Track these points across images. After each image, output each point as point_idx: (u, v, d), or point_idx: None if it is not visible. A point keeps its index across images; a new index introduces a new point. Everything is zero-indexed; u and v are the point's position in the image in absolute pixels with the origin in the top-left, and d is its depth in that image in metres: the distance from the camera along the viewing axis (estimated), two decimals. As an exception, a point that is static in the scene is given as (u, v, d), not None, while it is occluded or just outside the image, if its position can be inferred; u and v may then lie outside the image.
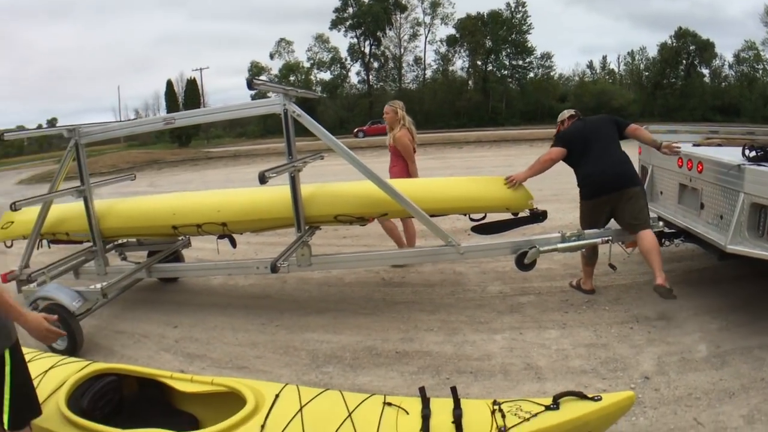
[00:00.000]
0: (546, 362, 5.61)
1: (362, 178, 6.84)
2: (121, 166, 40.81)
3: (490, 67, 80.00)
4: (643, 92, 77.33)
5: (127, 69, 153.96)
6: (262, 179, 6.18)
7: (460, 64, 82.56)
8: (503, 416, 3.64)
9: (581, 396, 3.61)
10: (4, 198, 21.43)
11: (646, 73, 79.59)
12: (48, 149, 75.48)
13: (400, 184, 6.98)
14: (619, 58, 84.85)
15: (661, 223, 6.98)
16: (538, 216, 7.12)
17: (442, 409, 3.79)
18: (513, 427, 3.54)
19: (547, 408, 3.60)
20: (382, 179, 6.79)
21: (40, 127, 78.47)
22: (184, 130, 68.28)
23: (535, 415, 3.57)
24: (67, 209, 8.73)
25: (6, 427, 3.87)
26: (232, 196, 8.19)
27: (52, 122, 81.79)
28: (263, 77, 77.02)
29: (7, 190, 28.69)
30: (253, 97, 49.25)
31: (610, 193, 6.80)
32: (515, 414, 3.63)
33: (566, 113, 7.59)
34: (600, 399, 3.56)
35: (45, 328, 3.87)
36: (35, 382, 4.57)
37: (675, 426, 4.26)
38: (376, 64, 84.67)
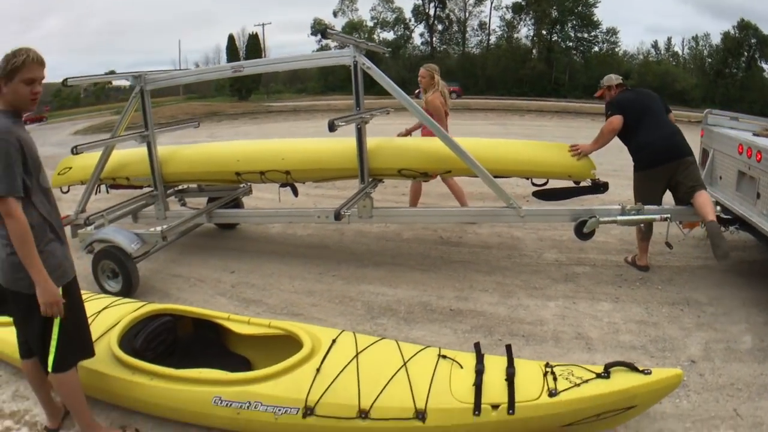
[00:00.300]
0: (597, 334, 5.64)
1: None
2: (180, 118, 41.14)
3: (555, 38, 78.69)
4: (705, 79, 75.54)
5: (188, 23, 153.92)
6: (332, 127, 6.30)
7: (524, 32, 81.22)
8: (555, 379, 3.73)
9: (632, 368, 3.66)
10: (59, 148, 21.86)
11: (709, 60, 77.77)
12: (105, 101, 75.92)
13: (466, 143, 6.98)
14: (683, 42, 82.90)
15: (718, 208, 6.88)
16: (600, 187, 7.08)
17: (495, 366, 3.90)
18: (563, 391, 3.62)
19: (598, 376, 3.67)
20: (449, 136, 6.80)
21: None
22: (244, 84, 68.22)
23: (586, 381, 3.65)
24: (128, 154, 8.93)
25: (50, 369, 4.02)
26: (297, 145, 8.28)
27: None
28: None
29: (63, 140, 29.04)
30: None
31: (670, 162, 6.73)
32: (566, 378, 3.71)
33: (614, 79, 7.45)
34: (650, 373, 3.61)
35: (52, 301, 3.87)
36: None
37: (716, 414, 4.27)
38: (440, 27, 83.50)
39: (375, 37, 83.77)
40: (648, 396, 3.64)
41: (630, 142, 7.02)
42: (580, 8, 75.45)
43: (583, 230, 6.81)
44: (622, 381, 3.61)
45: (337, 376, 3.95)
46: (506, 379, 3.74)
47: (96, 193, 8.61)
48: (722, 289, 6.37)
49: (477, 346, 4.09)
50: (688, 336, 5.49)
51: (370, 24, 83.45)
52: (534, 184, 7.36)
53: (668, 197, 6.88)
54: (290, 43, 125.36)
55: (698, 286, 6.59)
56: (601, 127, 6.95)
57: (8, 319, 5.49)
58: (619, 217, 6.64)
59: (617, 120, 6.83)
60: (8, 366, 5.54)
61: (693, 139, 7.07)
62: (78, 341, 4.17)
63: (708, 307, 6.09)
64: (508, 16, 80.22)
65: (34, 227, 3.79)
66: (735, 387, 4.58)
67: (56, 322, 3.96)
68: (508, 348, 3.97)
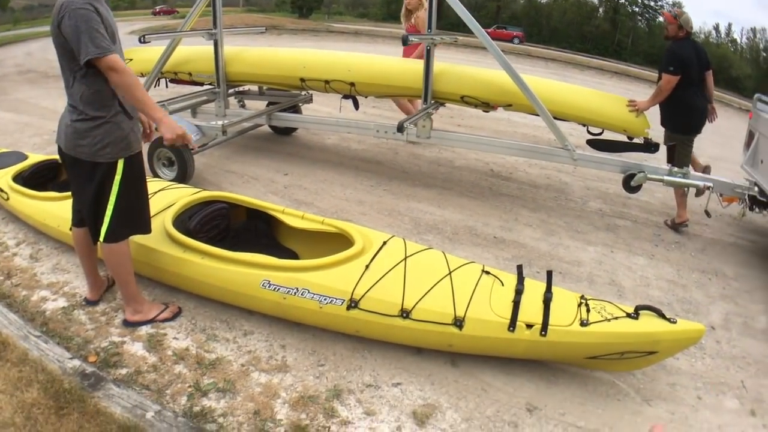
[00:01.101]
0: (629, 284, 5.76)
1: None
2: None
3: (622, 0, 77.19)
4: (759, 71, 73.98)
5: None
6: (405, 41, 6.50)
7: (593, -12, 79.73)
8: (588, 311, 3.89)
9: (660, 314, 3.81)
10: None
11: (764, 54, 76.00)
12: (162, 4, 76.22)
13: (531, 81, 7.01)
14: (742, 30, 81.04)
15: (756, 189, 6.84)
16: (651, 146, 7.14)
17: (534, 289, 4.07)
18: (594, 323, 3.79)
19: (628, 315, 3.83)
20: (516, 72, 6.83)
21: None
22: (306, 2, 67.75)
23: (616, 318, 3.81)
24: (192, 51, 9.10)
25: (101, 238, 4.22)
26: (364, 59, 8.36)
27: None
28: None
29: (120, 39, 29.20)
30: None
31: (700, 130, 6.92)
32: (598, 312, 3.87)
33: (690, 22, 7.15)
34: (675, 322, 3.75)
35: (180, 132, 4.12)
36: None
37: (725, 381, 4.36)
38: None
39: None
40: (670, 344, 3.80)
41: (678, 102, 6.96)
42: (650, -26, 73.82)
43: (630, 183, 6.90)
44: (649, 324, 3.77)
45: (384, 275, 4.12)
46: (543, 302, 3.90)
47: (155, 86, 8.75)
48: (749, 268, 6.41)
49: (519, 268, 4.23)
50: (712, 303, 5.58)
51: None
52: (590, 132, 7.44)
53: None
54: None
55: (728, 261, 6.62)
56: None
57: (55, 194, 5.77)
58: (666, 177, 6.71)
59: (677, 80, 6.78)
60: (51, 240, 5.84)
61: (740, 124, 7.05)
62: (134, 215, 4.35)
63: (733, 282, 6.13)
64: (579, -32, 78.66)
65: (103, 96, 3.97)
66: (746, 360, 4.66)
67: (114, 192, 4.14)
68: (549, 274, 4.10)
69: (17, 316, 4.54)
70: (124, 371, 3.97)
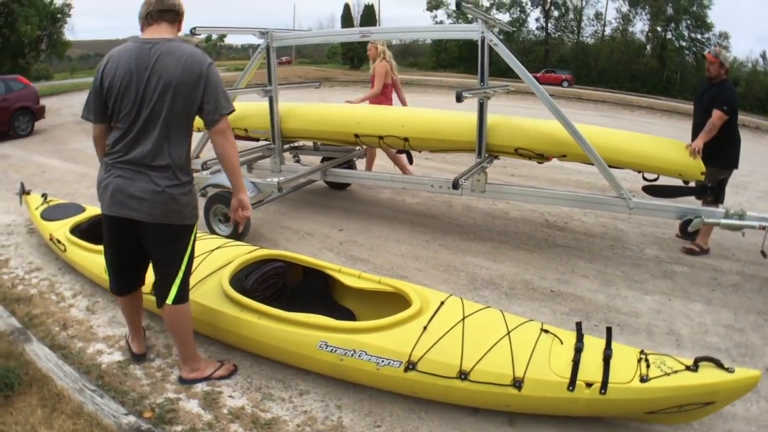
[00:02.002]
0: (687, 332, 5.66)
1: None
2: (293, 80, 41.33)
3: (669, 36, 76.52)
4: None
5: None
6: (459, 98, 6.53)
7: (639, 26, 79.02)
8: (648, 366, 3.82)
9: (718, 364, 3.73)
10: None
11: None
12: (216, 58, 77.46)
13: (583, 129, 7.01)
14: None
15: None
16: (707, 189, 7.09)
17: (593, 346, 4.01)
18: (654, 378, 3.72)
19: (687, 368, 3.75)
20: (569, 121, 6.84)
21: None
22: (357, 53, 68.29)
23: (676, 371, 3.74)
24: (248, 107, 9.33)
25: (170, 301, 4.25)
26: (417, 114, 8.47)
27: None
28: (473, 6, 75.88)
29: None
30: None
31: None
32: (658, 367, 3.80)
33: (729, 58, 7.30)
34: (733, 371, 3.67)
35: (247, 208, 4.30)
36: (200, 260, 5.07)
37: None
38: (555, 13, 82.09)
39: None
40: (728, 393, 3.72)
41: (726, 138, 7.06)
42: (694, 8, 73.09)
43: (687, 228, 6.85)
44: (708, 375, 3.69)
45: (442, 336, 4.10)
46: (603, 360, 3.84)
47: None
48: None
49: (578, 325, 4.18)
50: (767, 345, 5.52)
51: (487, 4, 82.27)
52: (645, 179, 7.39)
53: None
54: (404, 17, 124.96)
55: (784, 301, 6.54)
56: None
57: None
58: (723, 221, 6.61)
59: (725, 118, 6.93)
60: (107, 292, 5.84)
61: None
62: (190, 277, 4.40)
63: (790, 322, 6.06)
64: (624, 8, 78.25)
65: (189, 158, 4.10)
66: (801, 404, 4.61)
67: (186, 256, 4.21)
68: (609, 330, 4.04)
69: (72, 368, 4.59)
70: (179, 428, 3.98)
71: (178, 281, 4.21)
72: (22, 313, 5.64)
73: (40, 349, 4.81)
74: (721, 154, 7.07)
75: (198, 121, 4.05)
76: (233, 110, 3.91)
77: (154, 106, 3.82)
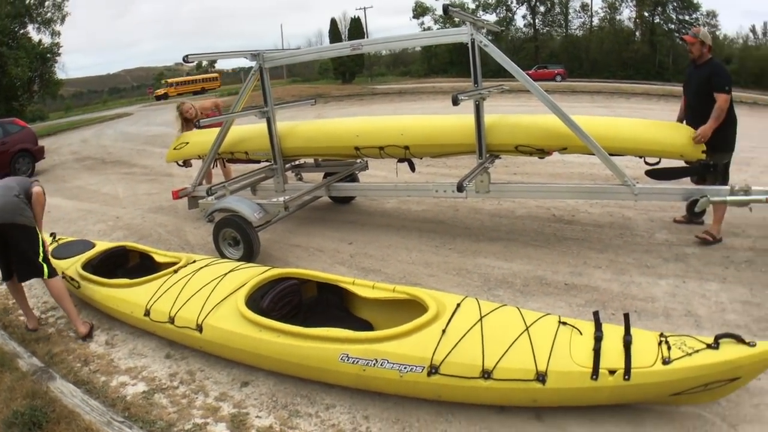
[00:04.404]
0: (705, 312, 5.67)
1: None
2: (287, 99, 41.36)
3: (657, 20, 76.32)
4: None
5: (288, 8, 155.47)
6: (455, 101, 6.52)
7: (626, 14, 78.84)
8: (669, 348, 3.84)
9: (739, 339, 3.74)
10: (165, 128, 22.75)
11: None
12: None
13: (581, 121, 7.01)
14: None
15: None
16: (709, 167, 7.08)
17: (613, 334, 4.03)
18: (676, 359, 3.74)
19: (708, 346, 3.77)
20: (566, 113, 6.87)
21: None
22: (348, 67, 68.72)
23: (697, 351, 3.76)
24: (246, 130, 9.45)
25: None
26: (416, 122, 8.49)
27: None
28: (462, 10, 76.08)
29: (168, 120, 29.74)
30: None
31: None
32: (679, 348, 3.82)
33: (709, 36, 7.20)
34: (755, 345, 3.68)
35: None
36: (214, 285, 5.23)
37: None
38: (542, 9, 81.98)
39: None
40: (752, 367, 3.72)
41: (725, 121, 6.96)
42: (679, -11, 73.14)
43: (694, 209, 6.89)
44: (729, 352, 3.70)
45: (462, 338, 4.12)
46: (624, 346, 3.86)
47: (214, 167, 8.94)
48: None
49: (596, 314, 4.19)
50: (787, 317, 5.49)
51: (472, 6, 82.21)
52: (647, 163, 7.39)
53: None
54: (391, 27, 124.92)
55: (799, 273, 6.53)
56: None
57: (125, 280, 5.96)
58: (729, 198, 6.64)
59: (729, 99, 6.88)
60: (124, 325, 5.99)
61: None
62: None
63: (808, 295, 6.03)
64: (610, -4, 78.26)
65: None
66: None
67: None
68: (626, 316, 4.06)
69: (98, 402, 4.65)
70: (210, 453, 4.00)
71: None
72: (42, 353, 5.69)
73: (64, 386, 4.87)
74: (721, 138, 7.01)
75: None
76: None
77: None
